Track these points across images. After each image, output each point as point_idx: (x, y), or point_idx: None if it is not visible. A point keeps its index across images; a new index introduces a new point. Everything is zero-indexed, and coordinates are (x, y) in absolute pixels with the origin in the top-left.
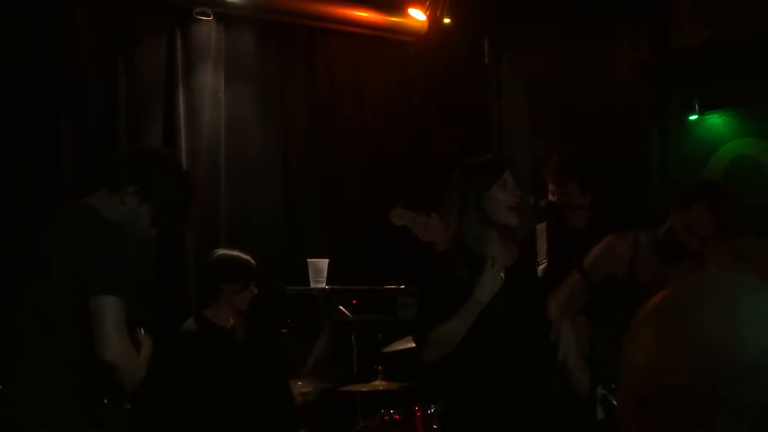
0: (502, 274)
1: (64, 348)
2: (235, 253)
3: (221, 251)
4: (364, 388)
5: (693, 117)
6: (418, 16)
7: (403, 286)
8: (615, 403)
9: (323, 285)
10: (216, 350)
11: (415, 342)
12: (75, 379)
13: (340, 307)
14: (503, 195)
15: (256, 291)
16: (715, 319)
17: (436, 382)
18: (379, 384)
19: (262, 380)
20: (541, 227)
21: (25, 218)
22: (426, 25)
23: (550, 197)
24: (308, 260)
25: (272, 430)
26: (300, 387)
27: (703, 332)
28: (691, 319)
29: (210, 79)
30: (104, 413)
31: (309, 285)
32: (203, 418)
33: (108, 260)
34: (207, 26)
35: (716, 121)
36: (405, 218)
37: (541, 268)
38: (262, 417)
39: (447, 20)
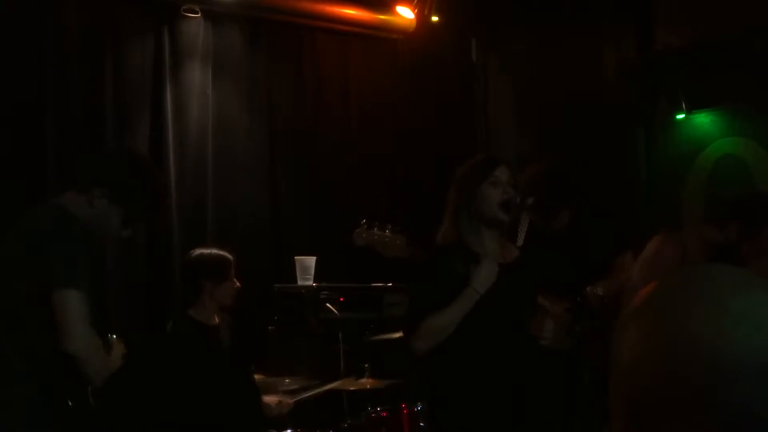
0: (497, 268)
1: (28, 347)
2: (213, 249)
3: (199, 250)
4: (351, 385)
5: (680, 116)
6: (406, 14)
7: (390, 284)
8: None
9: (310, 283)
10: (199, 348)
11: (404, 332)
12: (40, 378)
13: (327, 305)
14: (493, 191)
15: (238, 285)
16: (703, 318)
17: (423, 378)
18: (366, 382)
19: (238, 379)
20: (525, 215)
21: (11, 216)
22: (414, 23)
23: None
24: (295, 258)
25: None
26: (287, 385)
27: (691, 332)
28: (679, 318)
29: (198, 77)
30: (68, 414)
31: (296, 282)
32: (178, 417)
33: (70, 255)
34: (195, 23)
35: (703, 120)
36: (366, 238)
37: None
38: (232, 416)
39: (435, 18)
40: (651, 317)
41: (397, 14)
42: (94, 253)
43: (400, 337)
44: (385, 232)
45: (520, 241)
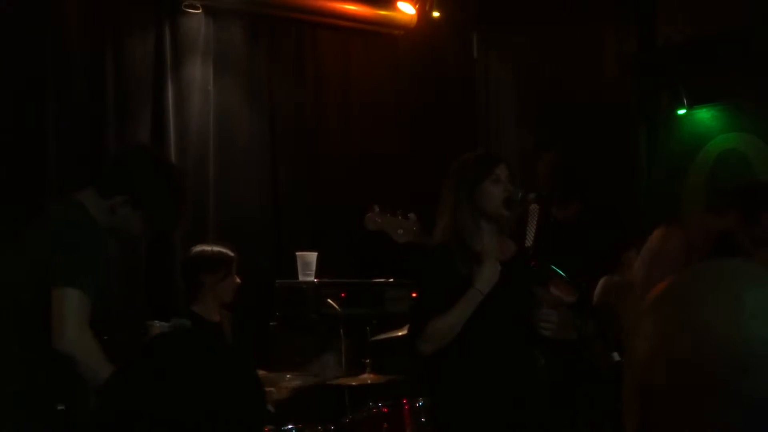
0: (499, 267)
1: (20, 346)
2: (215, 246)
3: (201, 246)
4: (352, 381)
5: (681, 111)
6: (407, 9)
7: (391, 280)
8: None
9: (312, 278)
10: (202, 344)
11: (409, 335)
12: (21, 382)
13: (329, 301)
14: (495, 188)
15: (239, 281)
16: (719, 310)
17: (426, 374)
18: (367, 377)
19: (240, 375)
20: (534, 208)
21: (11, 212)
22: (415, 19)
23: None
24: (297, 253)
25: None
26: (288, 380)
27: (707, 324)
28: (695, 310)
29: (199, 72)
30: (55, 419)
31: (298, 278)
32: (180, 411)
33: (76, 254)
34: (196, 19)
35: (704, 115)
36: (378, 223)
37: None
38: (234, 411)
39: (436, 14)
40: (667, 310)
41: (398, 10)
42: (104, 260)
43: (402, 335)
44: (397, 217)
45: (530, 239)
